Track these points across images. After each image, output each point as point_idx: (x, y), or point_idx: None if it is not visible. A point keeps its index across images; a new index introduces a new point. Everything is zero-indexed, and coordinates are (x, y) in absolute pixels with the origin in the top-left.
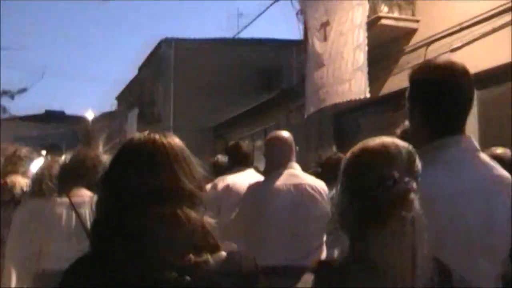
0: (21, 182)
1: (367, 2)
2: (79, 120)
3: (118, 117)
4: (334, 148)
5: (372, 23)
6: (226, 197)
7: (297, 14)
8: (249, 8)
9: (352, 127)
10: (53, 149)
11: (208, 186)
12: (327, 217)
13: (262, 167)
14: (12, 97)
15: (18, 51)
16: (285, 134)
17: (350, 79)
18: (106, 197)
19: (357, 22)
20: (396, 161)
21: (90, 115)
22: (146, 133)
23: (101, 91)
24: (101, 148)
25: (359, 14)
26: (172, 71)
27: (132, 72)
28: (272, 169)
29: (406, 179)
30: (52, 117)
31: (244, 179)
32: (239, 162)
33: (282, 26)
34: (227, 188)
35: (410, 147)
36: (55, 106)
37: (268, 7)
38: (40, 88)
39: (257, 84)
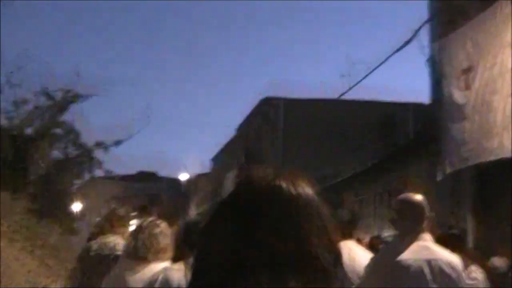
0: (120, 241)
1: None
2: (172, 181)
3: (213, 179)
4: (470, 214)
5: None
6: None
7: (427, 61)
8: (366, 56)
9: (496, 191)
10: (144, 211)
11: None
12: None
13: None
14: (106, 149)
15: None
16: (418, 197)
17: (501, 134)
18: (206, 264)
19: (509, 66)
20: None
21: (183, 177)
22: (266, 172)
23: (195, 151)
24: (194, 211)
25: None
26: (275, 130)
27: (229, 133)
28: (400, 239)
29: None
30: (145, 178)
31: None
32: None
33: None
34: None
35: None
36: (147, 163)
37: (388, 57)
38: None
39: (370, 142)
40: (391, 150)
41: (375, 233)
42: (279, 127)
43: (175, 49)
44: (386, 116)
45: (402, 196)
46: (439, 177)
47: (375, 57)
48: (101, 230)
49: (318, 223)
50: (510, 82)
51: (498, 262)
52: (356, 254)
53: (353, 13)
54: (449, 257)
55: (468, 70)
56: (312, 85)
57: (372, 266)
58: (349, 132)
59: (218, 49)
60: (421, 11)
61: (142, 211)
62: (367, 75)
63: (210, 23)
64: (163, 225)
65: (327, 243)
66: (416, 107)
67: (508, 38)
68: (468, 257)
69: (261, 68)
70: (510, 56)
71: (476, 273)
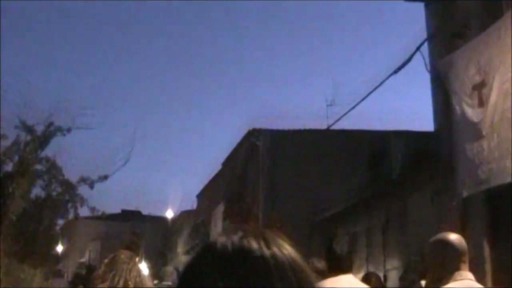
0: None
1: None
2: (157, 219)
3: (199, 215)
4: (485, 240)
5: None
6: None
7: (434, 79)
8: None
9: (509, 214)
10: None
11: None
12: None
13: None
14: (92, 185)
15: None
16: (453, 237)
17: None
18: None
19: None
20: None
21: (169, 214)
22: (238, 235)
23: (178, 188)
24: (180, 249)
25: None
26: (262, 163)
27: (215, 167)
28: (434, 282)
29: None
30: (129, 217)
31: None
32: (334, 267)
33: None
34: None
35: None
36: (130, 201)
37: (384, 81)
38: (115, 178)
39: (361, 173)
40: (384, 181)
41: (369, 268)
42: (265, 159)
43: (158, 84)
44: (377, 145)
45: (437, 235)
46: (456, 199)
47: (370, 83)
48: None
49: (294, 285)
50: None
51: None
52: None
53: (342, 38)
54: None
55: (481, 86)
56: (301, 115)
57: None
58: (339, 162)
59: (202, 82)
60: (414, 30)
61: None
62: (358, 103)
63: (197, 55)
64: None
65: None
66: (410, 135)
67: None
68: None
69: (246, 100)
70: None
71: None
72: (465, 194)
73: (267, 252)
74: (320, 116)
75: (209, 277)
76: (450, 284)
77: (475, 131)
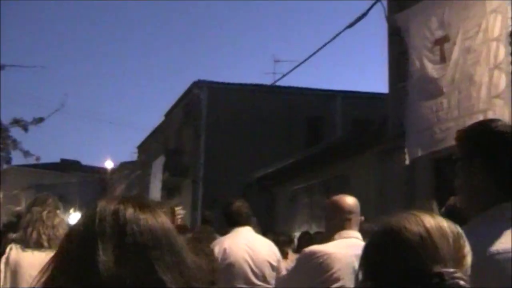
0: None
1: (509, 6)
2: (97, 170)
3: (140, 167)
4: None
5: None
6: (223, 264)
7: (392, 33)
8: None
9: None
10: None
11: None
12: None
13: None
14: (25, 129)
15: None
16: (340, 197)
17: (486, 110)
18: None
19: (494, 34)
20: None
21: (109, 165)
22: (115, 202)
23: (120, 138)
24: None
25: (497, 23)
26: (204, 117)
27: (157, 119)
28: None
29: (456, 274)
30: (68, 167)
31: (241, 241)
32: (234, 222)
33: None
34: (224, 252)
35: (458, 229)
36: (70, 151)
37: (337, 35)
38: (54, 128)
39: (302, 133)
40: (326, 142)
41: (313, 227)
42: (206, 111)
43: (108, 35)
44: (320, 105)
45: (334, 197)
46: (409, 159)
47: (322, 39)
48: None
49: (169, 257)
50: (495, 53)
51: None
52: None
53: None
54: None
55: (443, 40)
56: (248, 73)
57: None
58: (282, 120)
59: (153, 38)
60: None
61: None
62: (306, 60)
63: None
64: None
65: (181, 282)
66: (357, 95)
67: (493, 4)
68: None
69: (194, 53)
70: (498, 22)
71: None
72: (419, 153)
73: (141, 217)
74: (268, 73)
75: (90, 244)
76: (333, 242)
77: (435, 88)
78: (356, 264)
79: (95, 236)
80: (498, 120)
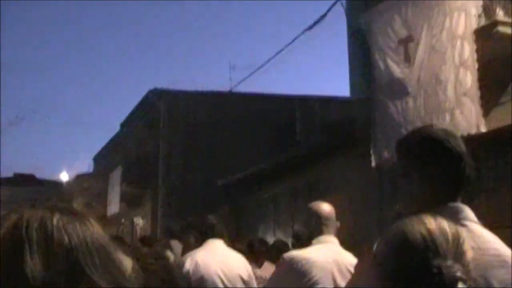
0: None
1: (473, 5)
2: (52, 183)
3: (96, 179)
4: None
5: (483, 32)
6: (194, 277)
7: (353, 34)
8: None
9: None
10: None
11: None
12: None
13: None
14: None
15: None
16: (317, 204)
17: (453, 109)
18: None
19: (459, 32)
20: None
21: (64, 177)
22: (40, 209)
23: (75, 150)
24: None
25: (461, 22)
26: (162, 125)
27: (113, 129)
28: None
29: (453, 267)
30: (22, 181)
31: (214, 255)
32: (206, 234)
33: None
34: (196, 265)
35: (458, 229)
36: (24, 164)
37: (279, 53)
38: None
39: (266, 139)
40: (292, 149)
41: (277, 233)
42: (165, 120)
43: (59, 42)
44: (283, 111)
45: (312, 204)
46: (375, 162)
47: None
48: None
49: (99, 260)
50: (460, 52)
51: None
52: None
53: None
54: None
55: (407, 40)
56: (205, 80)
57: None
58: (244, 127)
59: (108, 46)
60: None
61: None
62: (262, 66)
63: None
64: None
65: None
66: (321, 101)
67: (457, 3)
68: None
69: (151, 60)
70: (462, 20)
71: None
72: (386, 155)
73: (69, 223)
74: (224, 80)
75: (18, 250)
76: (311, 247)
77: (400, 88)
78: (334, 268)
79: (22, 243)
80: (431, 126)
